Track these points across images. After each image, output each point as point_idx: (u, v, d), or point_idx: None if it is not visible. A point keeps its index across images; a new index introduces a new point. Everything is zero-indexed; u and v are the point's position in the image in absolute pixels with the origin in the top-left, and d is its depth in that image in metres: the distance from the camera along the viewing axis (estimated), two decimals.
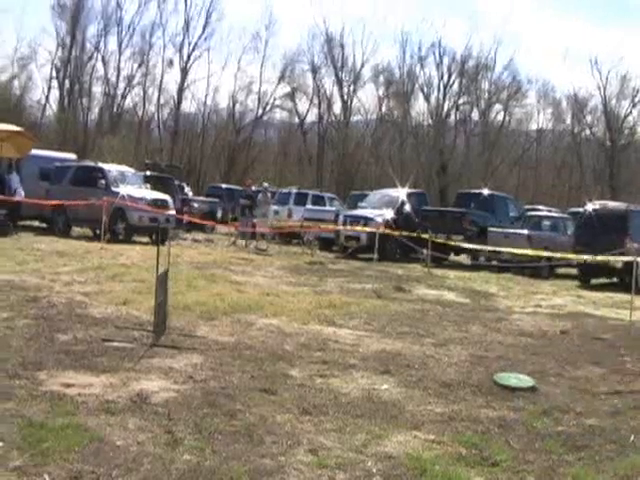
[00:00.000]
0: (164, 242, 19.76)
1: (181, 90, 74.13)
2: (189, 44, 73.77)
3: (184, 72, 73.63)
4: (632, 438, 7.64)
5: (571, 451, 7.12)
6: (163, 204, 28.27)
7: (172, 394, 7.83)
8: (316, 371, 9.32)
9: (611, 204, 30.46)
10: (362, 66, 76.20)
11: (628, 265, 20.25)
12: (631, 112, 75.63)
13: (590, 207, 27.72)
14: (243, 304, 13.80)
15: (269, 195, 33.13)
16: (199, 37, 74.06)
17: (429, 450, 6.80)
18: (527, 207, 38.89)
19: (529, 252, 22.54)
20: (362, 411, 7.78)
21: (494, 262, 27.44)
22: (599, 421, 8.17)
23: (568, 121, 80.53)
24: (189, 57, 73.81)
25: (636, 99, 74.52)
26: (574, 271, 26.34)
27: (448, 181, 68.46)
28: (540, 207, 39.67)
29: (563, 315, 16.49)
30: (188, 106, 78.74)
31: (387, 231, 26.44)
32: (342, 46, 75.50)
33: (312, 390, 8.43)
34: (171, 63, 74.60)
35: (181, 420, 7.01)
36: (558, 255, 22.81)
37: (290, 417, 7.41)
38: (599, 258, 21.32)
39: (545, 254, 22.77)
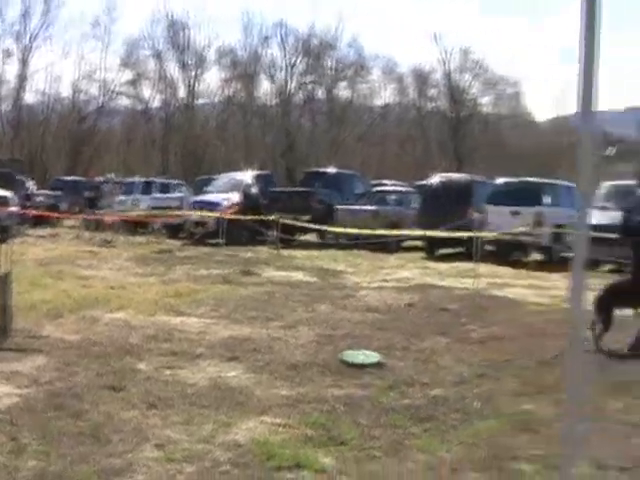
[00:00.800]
0: (6, 240, 19.24)
1: (21, 81, 71.98)
2: (28, 33, 71.64)
3: (24, 62, 71.51)
4: (476, 405, 7.87)
5: (417, 423, 7.28)
6: (3, 200, 27.59)
7: (15, 399, 7.63)
8: (164, 363, 9.24)
9: (455, 176, 31.24)
10: (206, 49, 75.53)
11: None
12: (473, 84, 77.77)
13: (434, 179, 28.36)
14: (89, 299, 13.60)
15: (114, 186, 32.67)
16: (38, 26, 71.90)
17: (277, 434, 6.85)
18: (373, 183, 39.41)
19: (377, 231, 22.95)
20: (209, 401, 7.77)
21: (342, 239, 27.75)
22: (444, 391, 8.38)
23: (412, 95, 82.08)
24: (28, 47, 71.69)
25: (478, 71, 76.58)
26: (421, 243, 26.81)
27: (295, 161, 68.65)
28: (386, 182, 40.19)
29: (409, 288, 16.78)
30: (30, 97, 76.38)
31: (234, 215, 26.44)
32: (185, 30, 74.56)
33: (159, 383, 8.36)
34: (10, 53, 72.31)
35: (25, 425, 6.84)
36: (405, 232, 23.29)
37: (137, 413, 7.33)
38: (443, 234, 21.86)
39: (394, 232, 23.23)
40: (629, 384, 8.64)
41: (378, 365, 9.37)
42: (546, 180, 28.42)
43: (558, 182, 28.77)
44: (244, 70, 76.27)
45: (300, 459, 6.20)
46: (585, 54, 2.99)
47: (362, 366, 9.30)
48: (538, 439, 6.85)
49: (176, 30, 74.26)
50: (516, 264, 21.42)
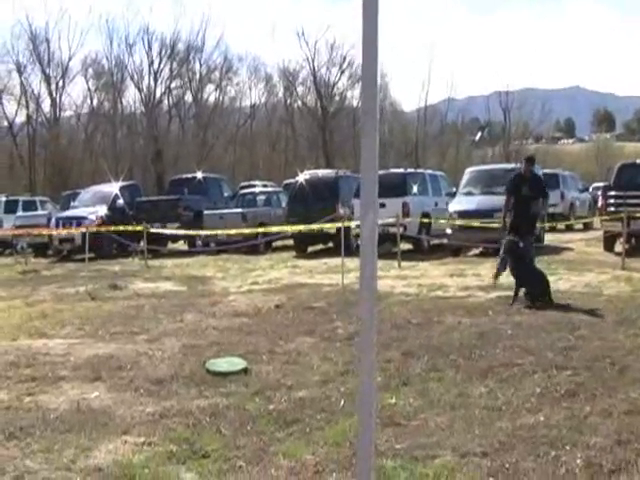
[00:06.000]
0: None
1: None
2: None
3: None
4: (342, 403, 7.88)
5: (282, 428, 7.25)
6: None
7: None
8: (24, 390, 8.95)
9: (321, 172, 31.44)
10: (70, 60, 73.80)
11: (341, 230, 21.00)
12: (340, 78, 78.76)
13: (301, 177, 28.47)
14: None
15: None
16: None
17: (139, 453, 6.72)
18: (242, 185, 39.41)
19: (244, 231, 22.89)
20: (71, 425, 7.56)
21: (211, 245, 27.66)
22: (309, 392, 8.37)
23: (280, 94, 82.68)
24: None
25: (344, 65, 77.51)
26: (291, 242, 26.86)
27: (164, 168, 67.99)
28: (256, 183, 40.25)
29: (278, 289, 16.80)
30: None
31: (100, 228, 26.05)
32: (47, 41, 72.58)
33: (20, 411, 8.10)
34: None
35: None
36: (274, 229, 23.28)
37: None
38: (313, 227, 21.91)
39: (259, 230, 23.18)
40: None
41: (244, 371, 9.30)
42: (411, 170, 28.83)
43: (423, 171, 29.24)
44: (109, 79, 75.32)
45: (161, 477, 6.11)
46: (366, 42, 3.00)
47: (227, 374, 9.21)
48: (401, 432, 6.91)
49: (38, 43, 72.36)
50: (387, 256, 21.60)
